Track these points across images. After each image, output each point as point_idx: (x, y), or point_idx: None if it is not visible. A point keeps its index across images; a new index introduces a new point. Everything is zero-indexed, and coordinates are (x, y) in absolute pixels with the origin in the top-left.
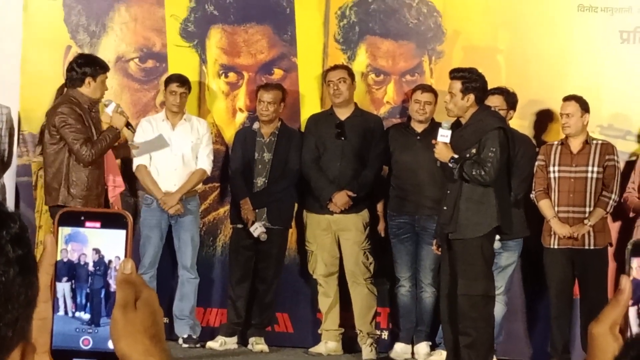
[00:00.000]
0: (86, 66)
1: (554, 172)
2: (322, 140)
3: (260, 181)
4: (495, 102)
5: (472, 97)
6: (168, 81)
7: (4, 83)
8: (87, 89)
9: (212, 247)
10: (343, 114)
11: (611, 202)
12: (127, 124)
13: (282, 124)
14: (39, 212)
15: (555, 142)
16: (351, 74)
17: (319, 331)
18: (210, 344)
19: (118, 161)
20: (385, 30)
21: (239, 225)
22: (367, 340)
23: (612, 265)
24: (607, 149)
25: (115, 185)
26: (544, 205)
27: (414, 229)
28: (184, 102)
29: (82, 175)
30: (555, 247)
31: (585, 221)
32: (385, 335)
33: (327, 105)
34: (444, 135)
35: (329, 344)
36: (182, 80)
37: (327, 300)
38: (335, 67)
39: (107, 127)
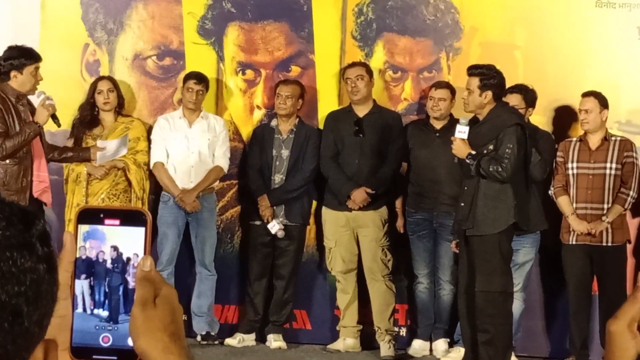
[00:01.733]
0: (11, 59)
1: (572, 168)
2: (341, 137)
3: (278, 178)
4: (513, 100)
5: (489, 93)
6: (186, 78)
7: None
8: (15, 82)
9: (230, 244)
10: (361, 110)
11: (629, 198)
12: (54, 117)
13: (300, 121)
14: (69, 206)
15: (574, 139)
16: (369, 71)
17: (337, 328)
18: (228, 340)
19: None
20: (402, 27)
21: (257, 222)
22: (385, 337)
23: (630, 262)
24: (626, 145)
25: (40, 180)
26: (563, 202)
27: (432, 225)
28: (200, 99)
29: None
30: (574, 243)
31: (603, 218)
32: (403, 332)
33: (344, 102)
34: (462, 131)
35: (347, 340)
36: (199, 78)
37: (345, 296)
38: (353, 64)
39: (28, 122)
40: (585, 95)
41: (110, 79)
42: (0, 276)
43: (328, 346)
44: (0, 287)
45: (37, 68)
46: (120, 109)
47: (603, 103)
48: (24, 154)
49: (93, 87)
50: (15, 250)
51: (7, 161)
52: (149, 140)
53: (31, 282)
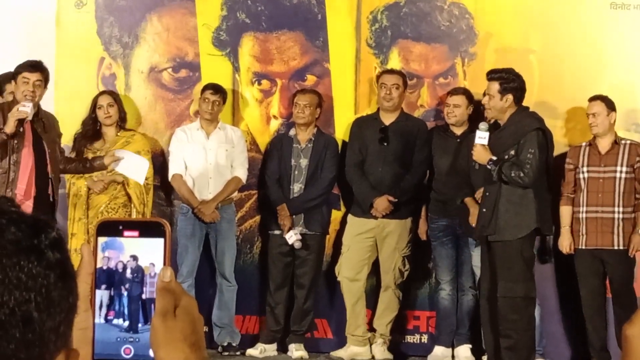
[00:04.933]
0: None
1: (583, 172)
2: (366, 144)
3: (297, 187)
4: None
5: (510, 97)
6: (204, 89)
7: None
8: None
9: (250, 254)
10: (388, 118)
11: None
12: (22, 121)
13: (318, 131)
14: (71, 220)
15: (583, 144)
16: (405, 82)
17: (346, 334)
18: (250, 351)
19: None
20: (417, 34)
21: (276, 232)
22: (378, 339)
23: None
24: (637, 149)
25: (19, 192)
26: (564, 212)
27: (454, 231)
28: (217, 110)
29: None
30: (584, 247)
31: (639, 229)
32: (425, 339)
33: (360, 111)
34: (482, 137)
35: (351, 348)
36: (216, 89)
37: (349, 304)
38: (392, 72)
39: None
40: (593, 99)
41: (112, 93)
42: (7, 282)
43: (331, 353)
44: (8, 294)
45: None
46: (122, 123)
47: (610, 106)
48: (12, 165)
49: (94, 102)
50: (23, 256)
51: None
52: (164, 154)
53: (41, 288)
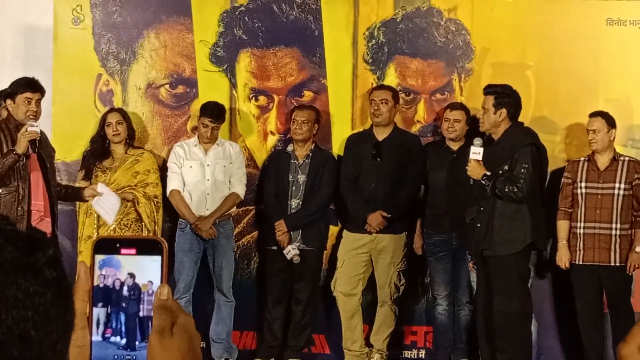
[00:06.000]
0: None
1: (581, 188)
2: (359, 160)
3: (295, 203)
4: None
5: (504, 111)
6: (203, 111)
7: None
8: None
9: (247, 270)
10: (381, 134)
11: None
12: (32, 142)
13: (316, 146)
14: (80, 238)
15: (582, 159)
16: (395, 97)
17: (343, 349)
18: None
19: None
20: (413, 50)
21: (274, 248)
22: (375, 355)
23: None
24: (636, 166)
25: (36, 209)
26: (561, 227)
27: (450, 246)
28: (215, 134)
29: None
30: (581, 263)
31: (637, 249)
32: (422, 354)
33: (358, 127)
34: (476, 152)
35: None
36: (214, 116)
37: (344, 319)
38: (381, 87)
39: (5, 151)
40: (593, 115)
41: (120, 110)
42: (4, 301)
43: None
44: (5, 312)
45: (23, 98)
46: (131, 140)
47: (610, 123)
48: (20, 182)
49: (103, 120)
50: (20, 274)
51: (0, 190)
52: (164, 170)
53: (38, 306)
